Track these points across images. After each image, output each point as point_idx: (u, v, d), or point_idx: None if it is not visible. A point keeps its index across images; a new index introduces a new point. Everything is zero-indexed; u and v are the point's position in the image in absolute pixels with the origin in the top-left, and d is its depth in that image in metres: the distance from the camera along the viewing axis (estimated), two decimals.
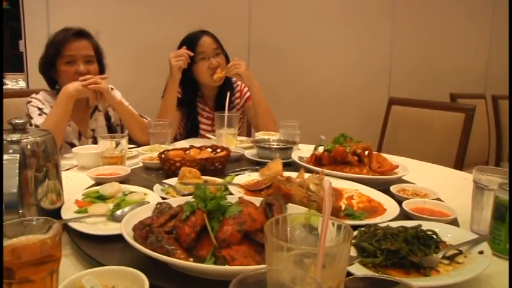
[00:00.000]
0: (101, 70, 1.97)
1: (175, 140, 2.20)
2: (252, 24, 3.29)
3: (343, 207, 1.07)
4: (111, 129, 2.08)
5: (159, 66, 2.20)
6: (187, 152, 1.50)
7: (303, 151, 1.59)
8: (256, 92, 2.16)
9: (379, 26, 3.62)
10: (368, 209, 1.04)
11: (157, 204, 0.94)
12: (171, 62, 2.01)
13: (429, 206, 1.08)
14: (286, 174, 1.28)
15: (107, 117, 2.07)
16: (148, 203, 1.03)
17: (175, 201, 0.98)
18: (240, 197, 0.92)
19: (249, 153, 1.67)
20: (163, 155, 1.42)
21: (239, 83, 2.33)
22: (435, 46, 3.75)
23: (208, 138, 2.10)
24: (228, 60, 2.23)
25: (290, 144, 1.65)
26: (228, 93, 2.03)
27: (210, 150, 1.56)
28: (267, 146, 1.61)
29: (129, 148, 1.86)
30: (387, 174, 1.32)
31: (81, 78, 1.76)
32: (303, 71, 3.61)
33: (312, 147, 1.51)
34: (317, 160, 1.39)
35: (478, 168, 1.06)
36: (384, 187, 1.21)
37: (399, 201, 1.08)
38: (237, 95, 2.35)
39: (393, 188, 1.20)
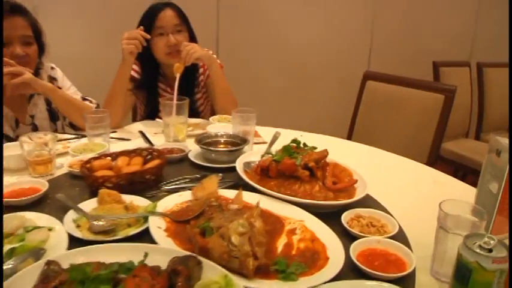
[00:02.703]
0: (41, 51, 1.74)
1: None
2: None
3: (279, 249, 0.89)
4: (52, 114, 1.86)
5: (119, 30, 1.81)
6: (115, 161, 1.28)
7: (253, 153, 1.38)
8: (215, 70, 1.92)
9: None
10: (308, 256, 0.86)
11: (45, 265, 0.74)
12: (122, 44, 1.72)
13: (383, 246, 0.90)
14: (225, 192, 1.09)
15: (48, 101, 1.82)
16: (44, 252, 0.84)
17: (71, 255, 0.78)
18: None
19: (194, 153, 1.45)
20: (86, 167, 1.20)
21: None
22: (419, 10, 3.46)
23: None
24: (192, 37, 1.97)
25: (240, 143, 1.43)
26: (178, 75, 1.78)
27: (144, 154, 1.34)
28: (212, 149, 1.40)
29: (66, 139, 1.64)
30: (343, 192, 1.13)
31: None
32: (277, 34, 3.32)
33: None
34: (264, 171, 1.18)
35: (443, 202, 0.88)
36: (337, 211, 1.03)
37: (351, 237, 0.91)
38: (201, 70, 2.13)
39: (346, 216, 1.01)
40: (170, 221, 0.97)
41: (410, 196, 1.26)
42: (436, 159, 2.08)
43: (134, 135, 1.76)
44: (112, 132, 1.77)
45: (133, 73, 1.95)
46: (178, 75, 1.78)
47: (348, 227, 0.97)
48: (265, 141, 1.71)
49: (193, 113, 2.07)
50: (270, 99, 3.49)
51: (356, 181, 1.16)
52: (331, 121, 3.20)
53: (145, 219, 0.97)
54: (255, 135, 1.79)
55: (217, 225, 0.87)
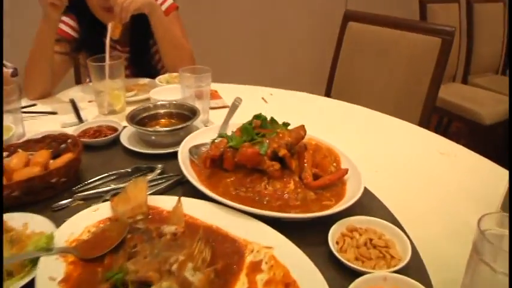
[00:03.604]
0: None
1: None
2: None
3: None
4: None
5: None
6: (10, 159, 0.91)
7: (208, 131, 1.03)
8: (157, 19, 1.48)
9: None
10: None
11: None
12: None
13: (392, 285, 0.60)
14: (161, 200, 0.76)
15: None
16: None
17: None
18: None
19: (129, 133, 1.09)
20: None
21: None
22: None
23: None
24: None
25: (189, 116, 1.08)
26: (110, 25, 1.36)
27: (54, 144, 0.96)
28: (147, 130, 1.03)
29: None
30: (328, 189, 0.81)
31: None
32: None
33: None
34: (215, 163, 0.84)
35: (484, 218, 0.57)
36: (321, 221, 0.71)
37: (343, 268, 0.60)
38: None
39: (335, 233, 0.70)
40: (75, 260, 0.63)
41: (412, 179, 0.96)
42: (430, 117, 1.78)
43: (63, 107, 1.37)
44: (30, 105, 1.38)
45: (68, 30, 1.52)
46: (109, 28, 1.36)
47: (338, 255, 0.65)
48: (226, 105, 1.36)
49: (152, 71, 1.67)
50: (232, 51, 3.07)
51: (346, 171, 0.83)
52: (305, 75, 2.84)
53: (36, 261, 0.63)
54: (213, 97, 1.44)
55: (137, 276, 0.55)
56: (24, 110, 1.31)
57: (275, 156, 0.80)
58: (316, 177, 0.81)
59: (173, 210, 0.71)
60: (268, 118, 0.88)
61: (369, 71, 1.91)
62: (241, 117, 1.02)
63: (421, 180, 0.95)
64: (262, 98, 1.46)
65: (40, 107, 1.38)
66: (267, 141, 0.81)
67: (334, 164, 0.88)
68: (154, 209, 0.75)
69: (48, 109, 1.36)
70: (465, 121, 2.76)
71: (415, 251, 0.68)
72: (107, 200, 0.80)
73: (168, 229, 0.66)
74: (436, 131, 2.34)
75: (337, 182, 0.82)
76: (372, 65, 1.90)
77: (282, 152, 0.79)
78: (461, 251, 0.61)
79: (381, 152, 1.08)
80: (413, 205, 0.85)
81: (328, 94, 2.01)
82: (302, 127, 0.88)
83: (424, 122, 1.72)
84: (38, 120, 1.29)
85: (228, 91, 1.47)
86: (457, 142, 1.14)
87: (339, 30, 2.02)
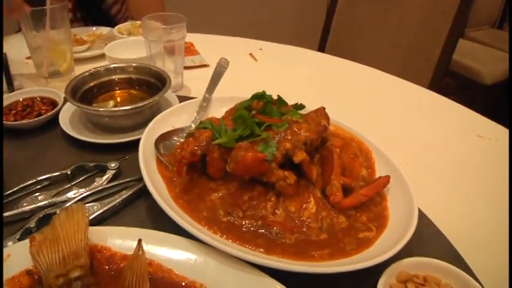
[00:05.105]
0: None
1: None
2: None
3: None
4: None
5: None
6: None
7: (182, 109, 0.73)
8: None
9: None
10: None
11: None
12: None
13: None
14: (104, 233, 0.49)
15: None
16: None
17: None
18: None
19: (70, 111, 0.78)
20: None
21: None
22: None
23: None
24: None
25: (153, 88, 0.78)
26: None
27: None
28: (99, 112, 0.72)
29: None
30: (364, 209, 0.55)
31: None
32: None
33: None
34: (194, 167, 0.56)
35: None
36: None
37: None
38: None
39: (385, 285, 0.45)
40: None
41: (445, 175, 0.70)
42: (443, 77, 1.53)
43: None
44: None
45: None
46: None
47: None
48: (205, 64, 1.07)
49: (108, 18, 1.32)
50: None
51: (388, 180, 0.57)
52: (295, 25, 2.49)
53: None
54: (189, 52, 1.14)
55: None
56: None
57: (287, 162, 0.52)
58: (345, 190, 0.55)
59: (131, 262, 0.44)
60: (274, 96, 0.59)
61: (372, 19, 1.61)
62: (226, 84, 0.73)
63: (462, 172, 0.71)
64: (251, 54, 1.16)
65: None
66: (276, 138, 0.52)
67: (365, 165, 0.62)
68: (101, 252, 0.47)
69: None
70: (459, 78, 2.54)
71: None
72: (30, 231, 0.52)
73: None
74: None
75: (375, 197, 0.56)
76: (376, 11, 1.60)
77: (299, 156, 0.51)
78: None
79: (406, 134, 0.82)
80: (464, 219, 0.61)
81: (321, 48, 1.71)
82: (322, 113, 0.60)
83: (437, 82, 1.47)
84: None
85: (206, 44, 1.17)
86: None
87: None
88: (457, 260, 0.52)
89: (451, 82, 3.07)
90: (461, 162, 0.74)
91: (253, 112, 0.56)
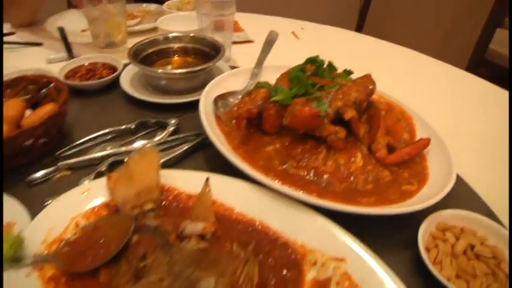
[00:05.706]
0: None
1: None
2: None
3: None
4: None
5: None
6: None
7: (234, 75, 0.79)
8: None
9: None
10: None
11: None
12: None
13: None
14: (178, 175, 0.54)
15: None
16: None
17: None
18: None
19: (131, 74, 0.85)
20: None
21: None
22: None
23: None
24: None
25: (210, 54, 0.83)
26: None
27: (32, 90, 0.72)
28: (158, 74, 0.78)
29: None
30: (407, 165, 0.59)
31: None
32: None
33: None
34: (251, 123, 0.62)
35: None
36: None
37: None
38: None
39: (424, 234, 0.50)
40: (56, 275, 0.43)
41: (481, 145, 0.74)
42: (479, 63, 1.53)
43: (49, 38, 1.12)
44: (8, 34, 1.12)
45: None
46: None
47: (436, 274, 0.45)
48: (250, 40, 1.12)
49: None
50: None
51: (428, 142, 0.61)
52: (334, 5, 2.49)
53: None
54: (234, 29, 1.19)
55: None
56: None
57: (338, 119, 0.57)
58: (389, 149, 0.59)
59: (198, 199, 0.50)
60: (326, 63, 0.64)
61: (408, 8, 1.62)
62: (270, 60, 0.79)
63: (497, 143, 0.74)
64: (293, 33, 1.20)
65: (21, 35, 1.12)
66: (329, 97, 0.57)
67: (407, 129, 0.66)
68: (169, 192, 0.53)
69: (31, 39, 1.10)
70: (494, 68, 2.47)
71: None
72: (102, 174, 0.58)
73: (192, 228, 0.45)
74: None
75: (415, 157, 0.60)
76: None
77: (350, 113, 0.56)
78: None
79: (447, 111, 0.85)
80: (500, 185, 0.64)
81: (359, 29, 1.73)
82: (369, 79, 0.64)
83: (473, 67, 1.48)
84: (18, 53, 1.04)
85: (249, 23, 1.21)
86: None
87: None
88: (492, 218, 0.56)
89: (486, 72, 3.01)
90: (496, 136, 0.77)
91: (308, 73, 0.61)
